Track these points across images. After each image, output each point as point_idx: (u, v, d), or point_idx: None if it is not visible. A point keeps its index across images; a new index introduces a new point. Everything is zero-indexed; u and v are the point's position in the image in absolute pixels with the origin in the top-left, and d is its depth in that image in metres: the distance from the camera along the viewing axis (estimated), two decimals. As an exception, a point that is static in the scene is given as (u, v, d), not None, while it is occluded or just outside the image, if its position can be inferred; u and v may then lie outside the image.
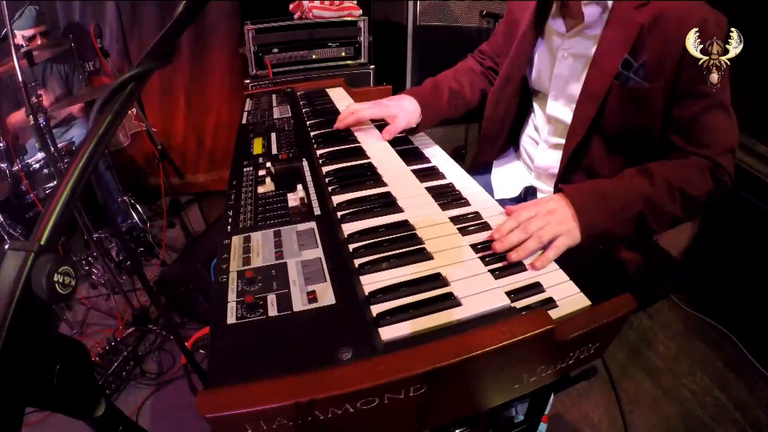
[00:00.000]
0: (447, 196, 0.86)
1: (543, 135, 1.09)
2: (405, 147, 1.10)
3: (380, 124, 1.17)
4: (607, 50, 0.87)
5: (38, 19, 2.26)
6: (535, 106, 1.13)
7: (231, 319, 0.56)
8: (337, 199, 0.83)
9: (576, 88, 0.94)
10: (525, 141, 1.19)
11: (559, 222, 0.75)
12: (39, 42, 2.26)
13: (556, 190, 1.00)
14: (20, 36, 2.20)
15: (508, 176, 1.25)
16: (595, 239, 0.77)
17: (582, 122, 0.92)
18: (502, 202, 0.87)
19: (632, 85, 0.85)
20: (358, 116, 1.10)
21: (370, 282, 0.62)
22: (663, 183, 0.81)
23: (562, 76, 0.99)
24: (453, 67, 1.28)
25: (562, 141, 0.99)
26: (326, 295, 0.59)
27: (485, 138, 1.23)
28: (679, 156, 0.86)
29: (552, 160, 1.06)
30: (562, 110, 1.00)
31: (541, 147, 1.10)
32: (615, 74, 0.86)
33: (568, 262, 0.69)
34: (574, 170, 0.99)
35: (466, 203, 0.85)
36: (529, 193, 1.18)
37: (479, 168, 1.29)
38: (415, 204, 0.83)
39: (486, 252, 0.70)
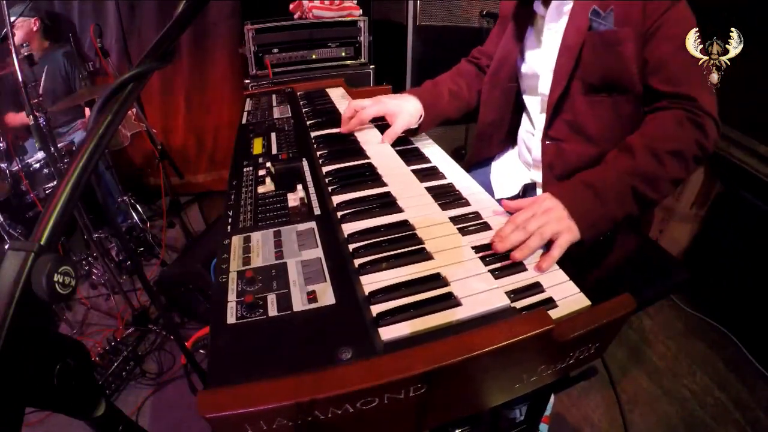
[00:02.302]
0: (447, 196, 0.86)
1: (537, 124, 1.11)
2: (405, 147, 1.10)
3: (380, 124, 1.18)
4: (579, 9, 0.94)
5: (29, 13, 2.24)
6: (527, 98, 1.15)
7: (231, 319, 0.56)
8: (337, 199, 0.83)
9: None
10: (522, 135, 1.20)
11: (558, 220, 0.75)
12: (34, 31, 2.25)
13: (544, 146, 1.05)
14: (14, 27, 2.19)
15: (508, 174, 1.25)
16: (595, 229, 0.78)
17: (562, 73, 0.96)
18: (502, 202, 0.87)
19: (603, 30, 0.90)
20: (361, 117, 1.10)
21: (370, 282, 0.62)
22: (643, 151, 0.82)
23: (549, 53, 1.03)
24: (448, 72, 1.30)
25: None
26: (326, 295, 0.59)
27: (482, 129, 1.24)
28: (655, 111, 0.89)
29: None
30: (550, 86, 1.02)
31: (537, 137, 1.11)
32: (588, 26, 0.92)
33: (568, 262, 0.69)
34: (558, 124, 1.02)
35: (466, 203, 0.85)
36: (528, 189, 1.19)
37: (477, 165, 1.30)
38: (415, 204, 0.83)
39: (486, 252, 0.70)
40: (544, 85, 1.05)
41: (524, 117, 1.20)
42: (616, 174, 0.81)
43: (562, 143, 1.02)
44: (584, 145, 0.99)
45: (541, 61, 1.06)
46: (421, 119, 1.13)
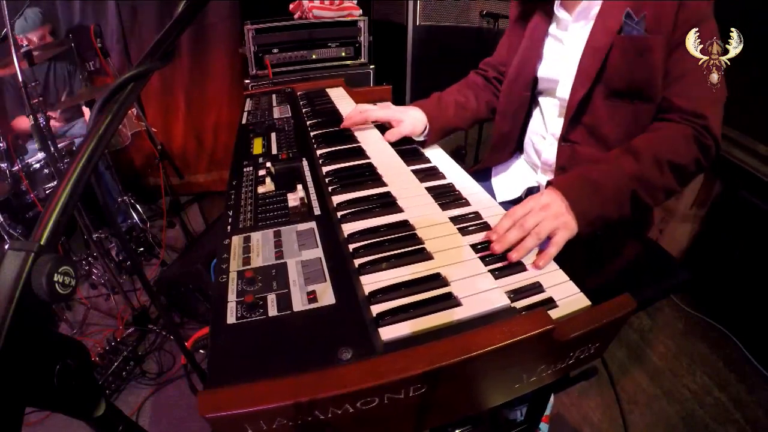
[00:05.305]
0: (447, 196, 0.86)
1: (550, 127, 1.09)
2: (405, 147, 1.10)
3: (380, 126, 1.17)
4: (609, 9, 0.91)
5: (43, 20, 2.27)
6: (542, 99, 1.13)
7: (231, 319, 0.56)
8: (337, 199, 0.83)
9: None
10: (530, 137, 1.19)
11: (555, 216, 0.75)
12: (48, 40, 2.28)
13: (560, 148, 1.02)
14: (30, 38, 2.22)
15: (510, 177, 1.24)
16: (592, 226, 0.78)
17: (586, 75, 0.94)
18: (504, 205, 0.87)
19: (634, 35, 0.88)
20: (366, 115, 1.12)
21: (370, 282, 0.63)
22: (649, 158, 0.83)
23: (572, 57, 1.00)
24: (456, 84, 1.30)
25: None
26: (326, 295, 0.59)
27: (499, 139, 1.23)
28: (664, 123, 0.89)
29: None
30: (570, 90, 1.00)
31: (549, 140, 1.10)
32: (618, 29, 0.89)
33: (568, 262, 0.69)
34: (576, 128, 1.00)
35: (466, 203, 0.85)
36: (531, 193, 1.17)
37: (481, 172, 1.28)
38: (415, 204, 0.83)
39: (486, 252, 0.70)
40: (563, 89, 1.03)
41: (534, 118, 1.17)
42: (619, 176, 0.82)
43: (577, 146, 1.01)
44: (599, 149, 0.97)
45: (561, 65, 1.03)
46: (426, 130, 1.13)
